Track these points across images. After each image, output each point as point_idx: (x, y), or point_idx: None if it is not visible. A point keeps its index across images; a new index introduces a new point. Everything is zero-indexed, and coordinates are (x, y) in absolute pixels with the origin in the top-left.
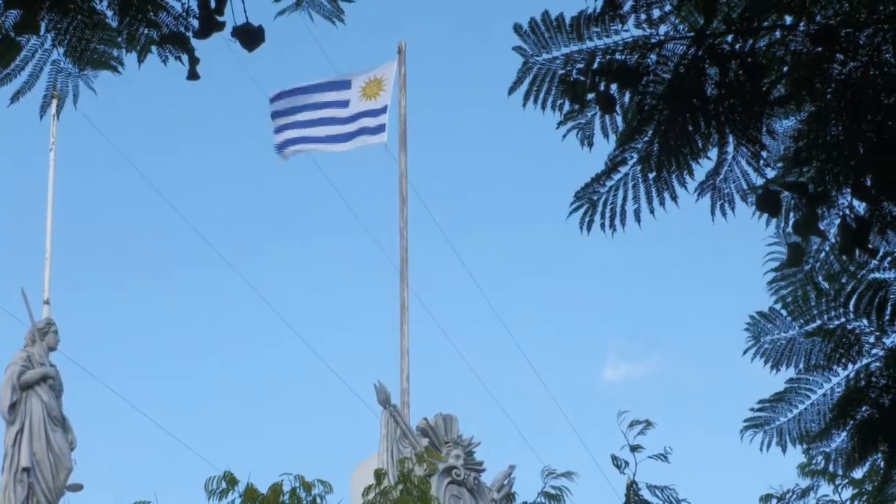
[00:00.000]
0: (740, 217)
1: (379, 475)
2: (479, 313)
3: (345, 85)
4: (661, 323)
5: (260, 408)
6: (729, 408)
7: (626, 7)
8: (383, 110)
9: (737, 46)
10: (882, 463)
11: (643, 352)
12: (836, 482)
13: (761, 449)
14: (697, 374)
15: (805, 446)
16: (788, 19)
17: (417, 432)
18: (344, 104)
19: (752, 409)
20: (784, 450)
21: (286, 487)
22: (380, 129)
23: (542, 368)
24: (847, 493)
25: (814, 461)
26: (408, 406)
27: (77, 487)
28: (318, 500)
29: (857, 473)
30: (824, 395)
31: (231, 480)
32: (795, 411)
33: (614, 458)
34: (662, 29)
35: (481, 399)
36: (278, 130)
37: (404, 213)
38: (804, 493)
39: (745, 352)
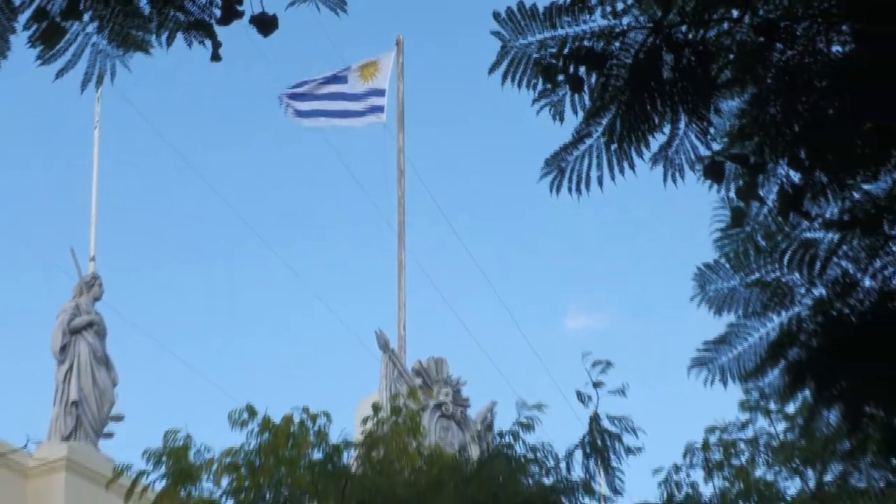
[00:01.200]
0: (690, 185)
1: (376, 407)
2: (467, 270)
3: (343, 80)
4: (619, 278)
5: (279, 351)
6: (679, 352)
7: (593, 0)
8: (380, 93)
9: (690, 36)
10: (810, 398)
11: (601, 304)
12: (772, 416)
13: (705, 384)
14: (651, 323)
15: (743, 383)
16: (735, 13)
17: (412, 373)
18: (343, 80)
19: (697, 350)
20: (725, 385)
21: (296, 419)
22: (376, 109)
23: (519, 318)
24: (781, 425)
25: (752, 398)
26: (404, 351)
27: (119, 418)
28: (322, 429)
29: (790, 409)
30: (760, 338)
31: (251, 412)
32: (735, 352)
33: (579, 394)
34: (625, 20)
35: (468, 344)
36: (290, 98)
37: (402, 185)
38: (744, 425)
39: (691, 299)
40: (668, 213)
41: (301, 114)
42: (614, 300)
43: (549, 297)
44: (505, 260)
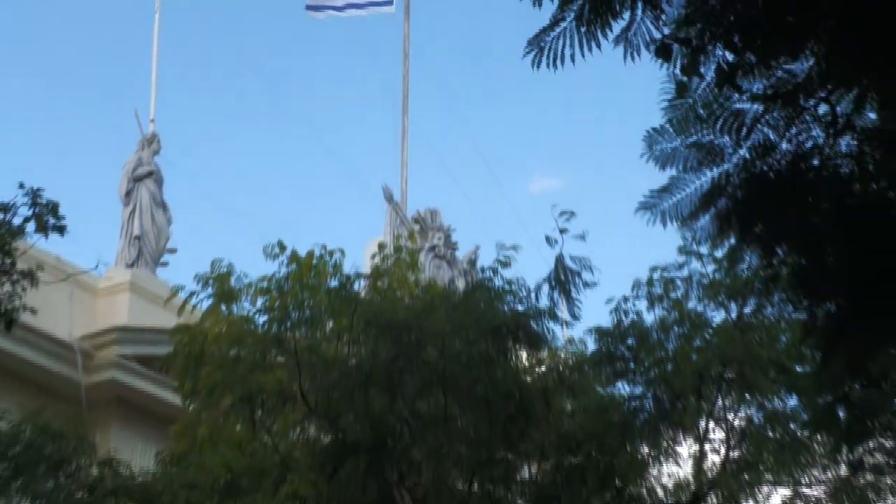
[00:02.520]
0: (645, 63)
1: (381, 246)
2: (457, 135)
3: None
4: (578, 145)
5: (303, 201)
6: (628, 207)
7: None
8: None
9: None
10: (734, 241)
11: (563, 168)
12: (703, 259)
13: (647, 224)
14: (605, 181)
15: (680, 226)
16: None
17: (412, 220)
18: None
19: (644, 196)
20: (664, 226)
21: (317, 254)
22: (388, 3)
23: (499, 178)
24: (710, 267)
25: (687, 244)
26: (406, 202)
27: (172, 250)
28: (337, 262)
29: (718, 254)
30: (695, 189)
31: (282, 247)
32: (674, 199)
33: (547, 238)
34: None
35: (458, 199)
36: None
37: (406, 65)
38: (680, 266)
39: (641, 156)
40: (626, 87)
41: (316, 8)
42: (575, 164)
43: (522, 162)
44: (489, 130)
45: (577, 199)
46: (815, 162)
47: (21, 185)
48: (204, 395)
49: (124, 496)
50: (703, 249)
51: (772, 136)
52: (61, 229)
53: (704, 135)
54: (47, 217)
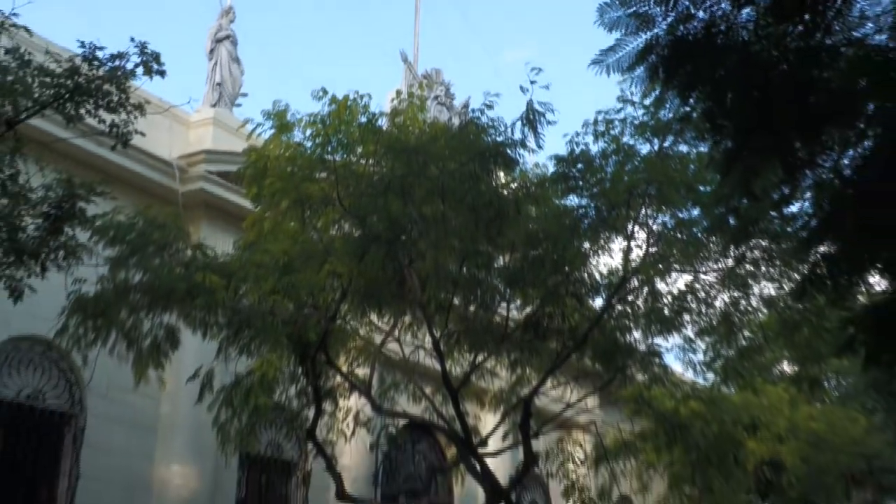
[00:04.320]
0: None
1: (398, 93)
2: (456, 14)
3: None
4: (548, 17)
5: (344, 62)
6: (581, 65)
7: None
8: None
9: None
10: (659, 89)
11: (531, 40)
12: (635, 105)
13: (595, 75)
14: (570, 53)
15: (620, 75)
16: None
17: (421, 76)
18: None
19: (595, 55)
20: (608, 75)
21: (351, 97)
22: None
23: (487, 45)
24: (640, 111)
25: (624, 94)
26: (417, 63)
27: (244, 94)
28: (366, 104)
29: (647, 101)
30: (633, 47)
31: (325, 92)
32: (617, 56)
33: (521, 87)
34: None
35: (456, 61)
36: None
37: None
38: (619, 111)
39: (594, 23)
40: None
41: None
42: (540, 37)
43: (501, 35)
44: (479, 10)
45: (542, 64)
46: (723, 28)
47: (132, 39)
48: (267, 199)
49: (210, 271)
50: (636, 98)
51: (691, 8)
52: (162, 73)
53: (641, 6)
54: (152, 63)
